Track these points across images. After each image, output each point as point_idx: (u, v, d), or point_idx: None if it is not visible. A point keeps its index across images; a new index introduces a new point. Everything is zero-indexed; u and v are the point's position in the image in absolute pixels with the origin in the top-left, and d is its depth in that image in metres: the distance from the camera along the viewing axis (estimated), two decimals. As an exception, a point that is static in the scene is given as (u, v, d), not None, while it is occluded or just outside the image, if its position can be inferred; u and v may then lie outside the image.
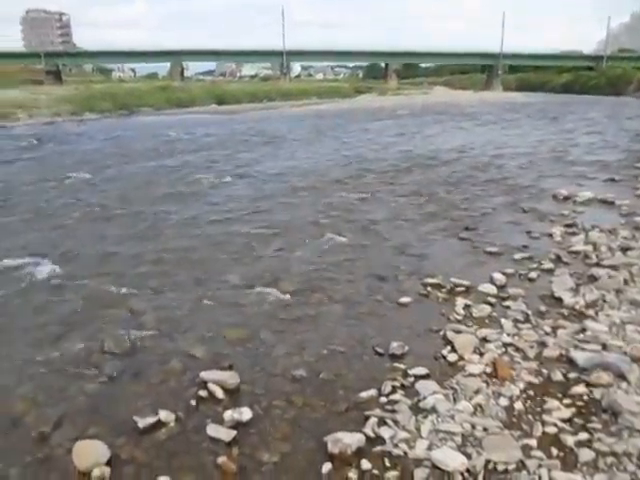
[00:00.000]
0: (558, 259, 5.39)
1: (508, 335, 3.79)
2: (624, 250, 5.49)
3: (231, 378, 3.23)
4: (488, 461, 2.53)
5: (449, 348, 3.66)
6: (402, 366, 3.44)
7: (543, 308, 4.27)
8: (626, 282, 4.64)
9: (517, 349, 3.61)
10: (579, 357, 3.41)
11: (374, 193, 8.68)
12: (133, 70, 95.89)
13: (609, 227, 6.35)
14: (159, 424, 2.89)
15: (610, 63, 57.79)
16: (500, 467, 2.51)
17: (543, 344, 3.66)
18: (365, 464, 2.57)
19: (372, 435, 2.76)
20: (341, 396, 3.17)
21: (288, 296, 4.60)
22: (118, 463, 2.62)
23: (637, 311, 4.08)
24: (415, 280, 4.93)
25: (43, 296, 4.66)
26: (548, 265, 5.20)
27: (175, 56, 61.73)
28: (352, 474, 2.51)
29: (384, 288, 4.79)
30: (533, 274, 5.01)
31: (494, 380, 3.23)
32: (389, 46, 64.07)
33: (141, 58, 66.06)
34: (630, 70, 49.71)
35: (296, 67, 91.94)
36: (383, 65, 73.53)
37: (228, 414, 2.92)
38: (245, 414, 2.92)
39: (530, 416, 2.91)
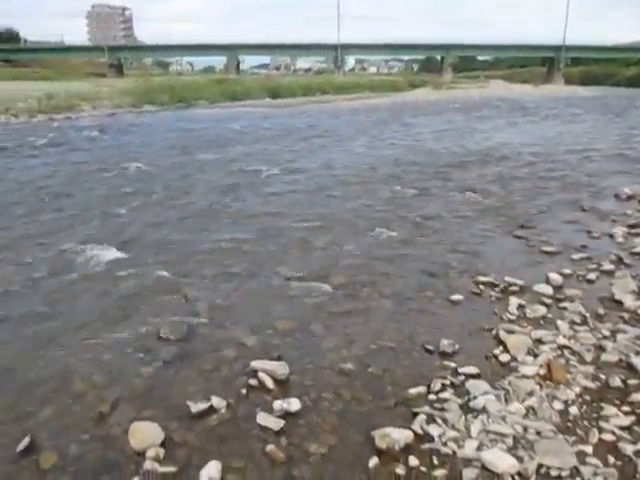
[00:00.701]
0: (619, 260, 5.18)
1: (564, 337, 3.68)
2: (692, 253, 5.22)
3: (281, 368, 3.27)
4: (540, 465, 2.47)
5: (501, 348, 3.58)
6: (452, 364, 3.40)
7: (602, 311, 4.11)
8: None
9: (573, 352, 3.50)
10: (640, 363, 3.28)
11: (426, 188, 8.57)
12: (191, 64, 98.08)
13: (676, 228, 6.04)
14: (211, 410, 2.97)
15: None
16: (553, 472, 2.44)
17: (601, 348, 3.53)
18: (413, 461, 2.55)
19: (420, 432, 2.75)
20: (389, 391, 3.16)
21: (338, 289, 4.62)
22: (171, 445, 2.71)
23: None
24: (467, 278, 4.85)
25: (103, 281, 4.85)
26: (608, 266, 5.00)
27: (231, 50, 62.73)
28: (399, 470, 2.51)
29: (435, 285, 4.73)
30: (592, 275, 4.83)
31: (548, 383, 3.14)
32: (445, 38, 62.99)
33: (198, 52, 67.52)
34: None
35: (350, 61, 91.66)
36: (439, 58, 72.26)
37: (277, 404, 2.96)
38: (294, 405, 2.96)
39: (586, 422, 2.82)
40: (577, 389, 3.08)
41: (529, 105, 28.18)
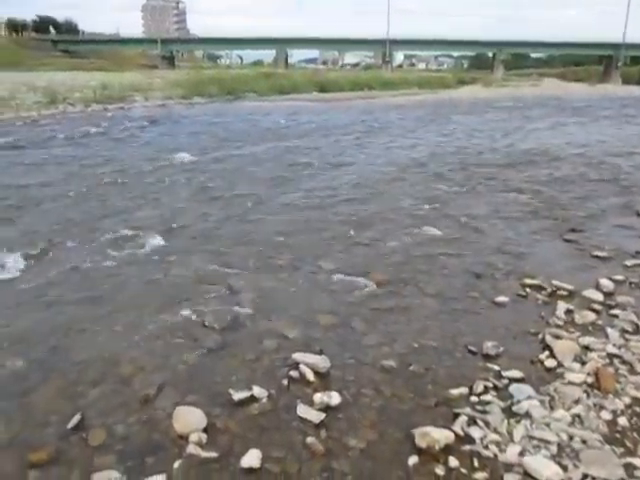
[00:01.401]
0: (676, 269, 4.97)
1: (614, 346, 3.56)
2: None
3: (322, 362, 3.29)
4: (585, 475, 2.40)
5: (547, 353, 3.49)
6: (495, 367, 3.34)
7: (656, 320, 3.96)
8: None
9: (623, 361, 3.38)
10: (695, 376, 3.14)
11: (473, 187, 8.43)
12: (240, 57, 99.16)
13: None
14: (252, 399, 3.01)
15: None
16: (598, 483, 2.38)
17: (654, 359, 3.40)
18: (453, 462, 2.53)
19: (461, 433, 2.71)
20: (430, 391, 3.13)
21: (380, 286, 4.60)
22: (213, 431, 2.76)
23: None
24: (513, 280, 4.75)
25: (151, 268, 4.98)
26: (664, 274, 4.81)
27: (280, 44, 63.12)
28: (439, 470, 2.49)
29: (480, 286, 4.66)
30: (646, 283, 4.66)
31: (596, 391, 3.05)
32: (497, 35, 61.54)
33: (248, 45, 68.22)
34: None
35: (399, 56, 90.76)
36: (490, 55, 70.73)
37: (318, 397, 2.98)
38: (334, 398, 2.97)
39: (635, 434, 2.72)
40: (626, 399, 2.98)
41: (583, 105, 27.28)
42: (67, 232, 5.97)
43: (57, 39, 66.48)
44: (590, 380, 3.15)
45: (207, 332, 3.78)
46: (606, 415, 2.85)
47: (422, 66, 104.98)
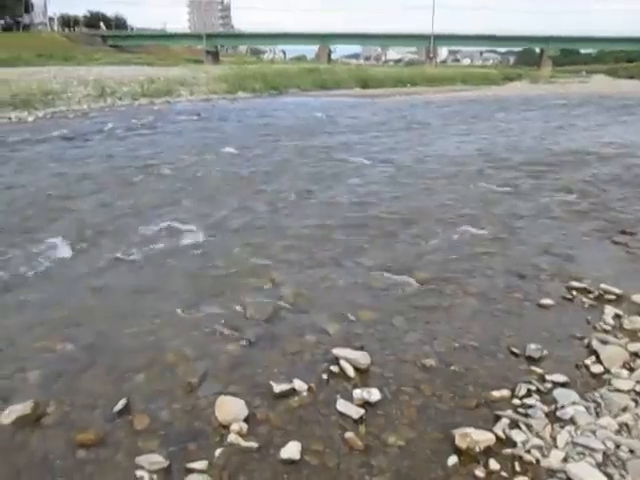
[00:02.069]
0: None
1: (665, 353, 3.44)
2: None
3: (362, 358, 3.29)
4: (632, 485, 2.34)
5: (593, 358, 3.40)
6: (539, 370, 3.27)
7: None
8: None
9: (675, 370, 3.27)
10: None
11: (517, 186, 8.25)
12: (284, 52, 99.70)
13: None
14: (292, 392, 3.05)
15: None
16: (646, 494, 2.31)
17: None
18: (493, 464, 2.50)
19: (502, 436, 2.68)
20: (471, 391, 3.10)
21: (422, 284, 4.57)
22: (254, 421, 2.81)
23: None
24: (559, 282, 4.64)
25: (194, 260, 5.08)
26: None
27: (323, 39, 63.11)
28: (479, 472, 2.46)
29: (523, 287, 4.56)
30: (700, 289, 4.47)
31: (645, 400, 2.96)
32: (545, 30, 59.96)
33: (291, 40, 68.54)
34: None
35: (442, 52, 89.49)
36: (537, 51, 68.92)
37: (357, 392, 2.99)
38: (374, 395, 2.97)
39: (686, 445, 2.63)
40: (677, 409, 2.88)
41: (634, 103, 26.29)
42: (115, 222, 6.15)
43: (107, 34, 68.36)
44: (639, 388, 3.05)
45: (249, 324, 3.83)
46: (656, 425, 2.76)
47: (467, 62, 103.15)
